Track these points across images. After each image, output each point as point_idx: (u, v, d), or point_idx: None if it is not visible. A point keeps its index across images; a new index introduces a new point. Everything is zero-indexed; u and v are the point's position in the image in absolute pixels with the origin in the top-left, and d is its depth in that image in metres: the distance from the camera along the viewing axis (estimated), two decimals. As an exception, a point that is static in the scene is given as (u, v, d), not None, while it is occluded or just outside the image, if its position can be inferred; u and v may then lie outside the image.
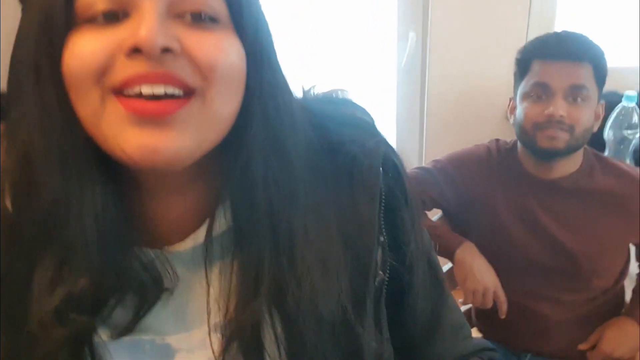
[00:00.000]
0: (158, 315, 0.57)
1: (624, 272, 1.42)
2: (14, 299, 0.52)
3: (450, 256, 1.33)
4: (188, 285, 0.57)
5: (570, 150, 1.29)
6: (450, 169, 1.41)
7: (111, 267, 0.51)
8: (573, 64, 1.26)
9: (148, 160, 0.47)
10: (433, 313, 0.69)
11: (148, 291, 0.54)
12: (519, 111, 1.33)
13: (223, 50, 0.49)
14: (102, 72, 0.46)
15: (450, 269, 1.35)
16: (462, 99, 1.98)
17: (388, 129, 2.15)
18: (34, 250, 0.51)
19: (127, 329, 0.55)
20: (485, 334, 1.49)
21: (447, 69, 1.98)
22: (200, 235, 0.56)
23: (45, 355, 0.51)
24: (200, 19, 0.48)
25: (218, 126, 0.50)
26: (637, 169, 1.42)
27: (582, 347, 1.39)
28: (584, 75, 1.27)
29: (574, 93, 1.26)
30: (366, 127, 0.63)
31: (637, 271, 1.44)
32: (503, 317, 1.31)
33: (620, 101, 1.64)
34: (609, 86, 1.61)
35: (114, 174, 0.51)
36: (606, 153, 1.66)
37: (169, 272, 0.56)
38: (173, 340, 0.58)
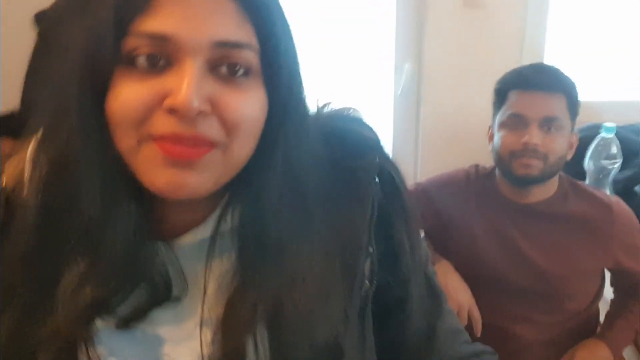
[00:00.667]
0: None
1: (597, 295, 1.45)
2: (31, 290, 0.55)
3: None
4: (183, 279, 0.60)
5: (544, 177, 1.34)
6: (431, 191, 1.46)
7: (131, 260, 0.55)
8: (546, 94, 1.32)
9: (173, 194, 0.52)
10: (429, 326, 0.70)
11: (158, 291, 0.58)
12: (497, 139, 1.37)
13: (249, 107, 0.53)
14: (141, 121, 0.51)
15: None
16: (455, 127, 2.05)
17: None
18: (63, 251, 0.55)
19: (125, 322, 0.57)
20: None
21: (440, 99, 2.05)
22: (200, 232, 0.59)
23: (47, 338, 0.54)
24: (234, 73, 0.52)
25: (235, 169, 0.55)
26: (611, 195, 1.46)
27: (554, 367, 1.41)
28: (558, 105, 1.32)
29: (548, 123, 1.31)
30: (370, 143, 0.66)
31: (612, 296, 1.47)
32: (478, 335, 1.33)
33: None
34: (590, 118, 1.68)
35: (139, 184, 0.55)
36: (587, 182, 1.71)
37: (179, 279, 0.59)
38: (163, 331, 0.59)
